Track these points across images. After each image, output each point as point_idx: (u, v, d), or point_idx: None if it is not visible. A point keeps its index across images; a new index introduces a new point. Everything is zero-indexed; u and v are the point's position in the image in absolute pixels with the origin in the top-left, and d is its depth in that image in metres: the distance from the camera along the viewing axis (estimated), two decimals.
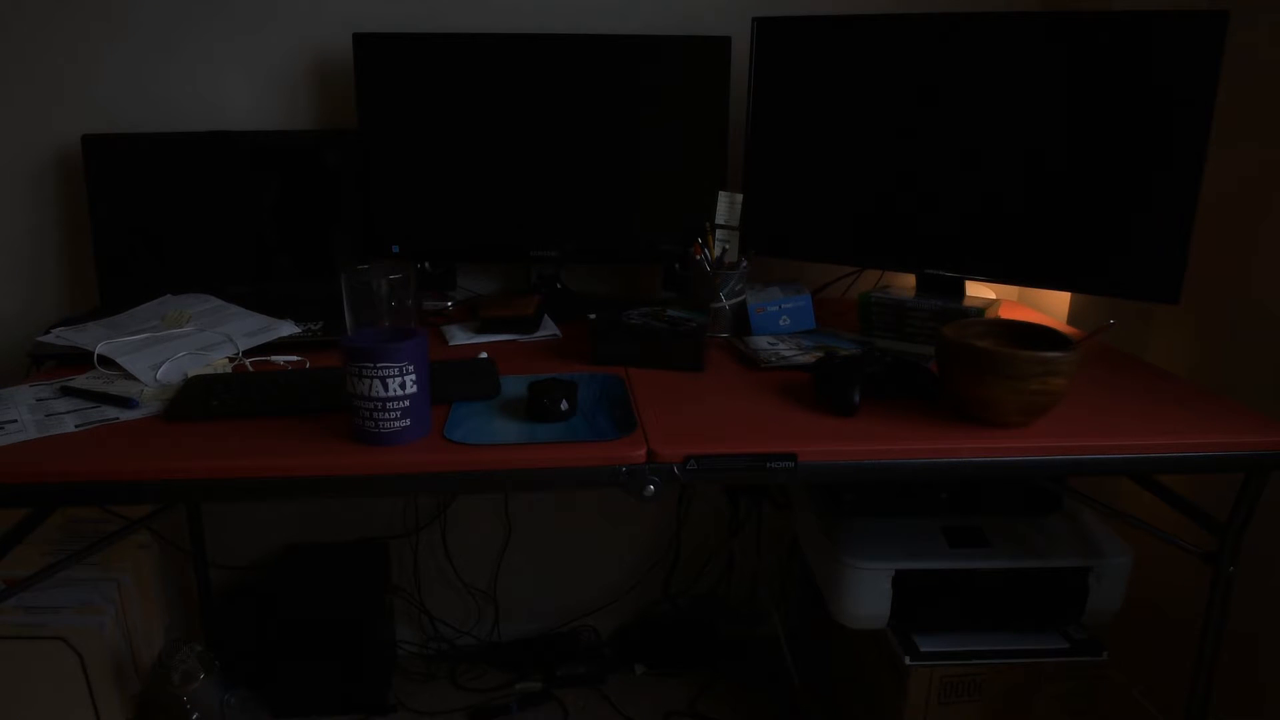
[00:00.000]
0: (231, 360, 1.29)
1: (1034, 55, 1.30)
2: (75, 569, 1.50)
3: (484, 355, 1.33)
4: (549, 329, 1.48)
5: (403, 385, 1.01)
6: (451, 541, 1.90)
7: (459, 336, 1.44)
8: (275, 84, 1.64)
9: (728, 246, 1.51)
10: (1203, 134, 1.20)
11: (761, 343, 1.38)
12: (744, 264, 1.46)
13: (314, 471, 0.99)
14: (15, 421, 1.08)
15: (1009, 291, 1.76)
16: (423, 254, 1.60)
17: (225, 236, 1.58)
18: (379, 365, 1.00)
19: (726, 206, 1.51)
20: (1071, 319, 1.73)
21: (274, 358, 1.32)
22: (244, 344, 1.32)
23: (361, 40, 1.51)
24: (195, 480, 0.98)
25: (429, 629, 1.95)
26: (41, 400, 1.16)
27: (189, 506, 1.73)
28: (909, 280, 1.51)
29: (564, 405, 1.09)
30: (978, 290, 1.58)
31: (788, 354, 1.32)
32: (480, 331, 1.45)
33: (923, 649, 1.32)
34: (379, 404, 1.01)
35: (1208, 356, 1.43)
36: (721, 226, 1.51)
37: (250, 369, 1.28)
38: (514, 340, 1.44)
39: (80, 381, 1.21)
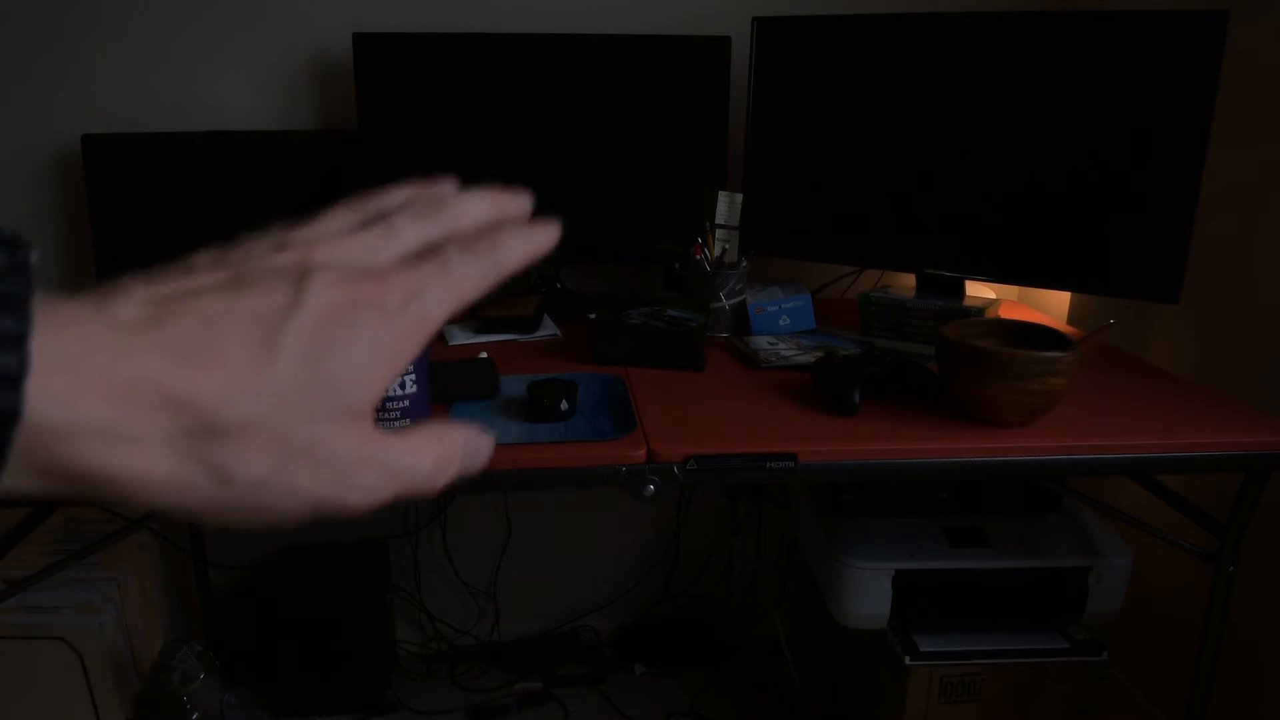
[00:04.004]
0: None
1: (1034, 55, 1.30)
2: (75, 569, 1.49)
3: (484, 355, 1.33)
4: (549, 329, 1.48)
5: (402, 385, 1.01)
6: (451, 541, 1.90)
7: (459, 336, 1.44)
8: (275, 84, 1.64)
9: (728, 246, 1.51)
10: (1203, 134, 1.19)
11: (761, 343, 1.38)
12: (744, 264, 1.46)
13: None
14: None
15: (1009, 291, 1.76)
16: None
17: (225, 236, 1.57)
18: None
19: (726, 206, 1.51)
20: (1071, 319, 1.73)
21: None
22: None
23: (361, 40, 1.51)
24: None
25: (429, 629, 1.95)
26: None
27: None
28: (909, 280, 1.51)
29: (564, 405, 1.09)
30: (978, 290, 1.58)
31: (788, 354, 1.32)
32: (480, 331, 1.45)
33: (923, 649, 1.32)
34: (378, 404, 1.01)
35: (1208, 356, 1.43)
36: (721, 226, 1.51)
37: None
38: (514, 340, 1.44)
39: None
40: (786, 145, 1.53)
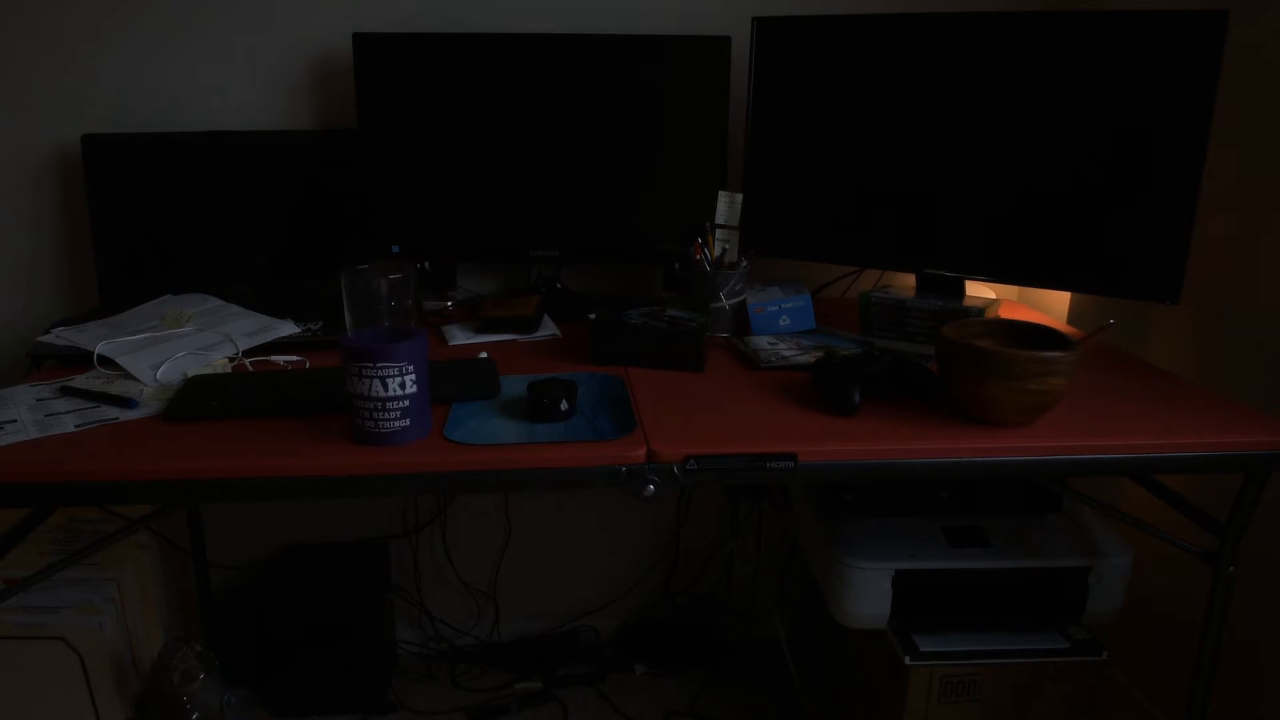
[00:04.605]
0: (231, 360, 1.29)
1: (1034, 55, 1.30)
2: (75, 569, 1.49)
3: (484, 355, 1.33)
4: (549, 329, 1.48)
5: (402, 385, 1.01)
6: (451, 541, 1.90)
7: (459, 336, 1.44)
8: (275, 84, 1.64)
9: (728, 246, 1.51)
10: (1203, 134, 1.20)
11: (761, 343, 1.38)
12: (744, 264, 1.46)
13: (314, 471, 0.99)
14: (15, 421, 1.08)
15: (1009, 291, 1.76)
16: (423, 254, 1.60)
17: (225, 236, 1.58)
18: (379, 365, 1.00)
19: (726, 206, 1.51)
20: (1071, 319, 1.73)
21: (274, 358, 1.32)
22: (244, 344, 1.32)
23: (361, 40, 1.51)
24: (195, 480, 0.98)
25: (429, 629, 1.95)
26: (41, 400, 1.16)
27: (189, 506, 1.73)
28: (909, 280, 1.51)
29: (564, 405, 1.09)
30: (978, 290, 1.58)
31: (788, 354, 1.32)
32: (480, 331, 1.46)
33: (923, 649, 1.32)
34: (379, 404, 1.01)
35: (1208, 356, 1.44)
36: (721, 226, 1.51)
37: (250, 369, 1.28)
38: (514, 340, 1.44)
39: (80, 381, 1.21)
40: (786, 145, 1.53)
